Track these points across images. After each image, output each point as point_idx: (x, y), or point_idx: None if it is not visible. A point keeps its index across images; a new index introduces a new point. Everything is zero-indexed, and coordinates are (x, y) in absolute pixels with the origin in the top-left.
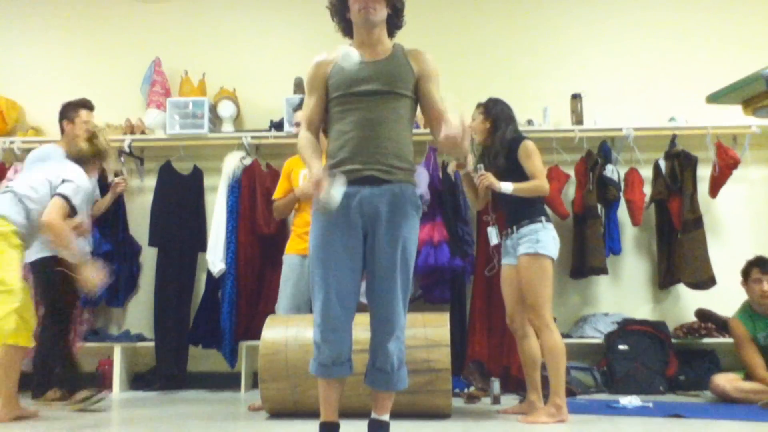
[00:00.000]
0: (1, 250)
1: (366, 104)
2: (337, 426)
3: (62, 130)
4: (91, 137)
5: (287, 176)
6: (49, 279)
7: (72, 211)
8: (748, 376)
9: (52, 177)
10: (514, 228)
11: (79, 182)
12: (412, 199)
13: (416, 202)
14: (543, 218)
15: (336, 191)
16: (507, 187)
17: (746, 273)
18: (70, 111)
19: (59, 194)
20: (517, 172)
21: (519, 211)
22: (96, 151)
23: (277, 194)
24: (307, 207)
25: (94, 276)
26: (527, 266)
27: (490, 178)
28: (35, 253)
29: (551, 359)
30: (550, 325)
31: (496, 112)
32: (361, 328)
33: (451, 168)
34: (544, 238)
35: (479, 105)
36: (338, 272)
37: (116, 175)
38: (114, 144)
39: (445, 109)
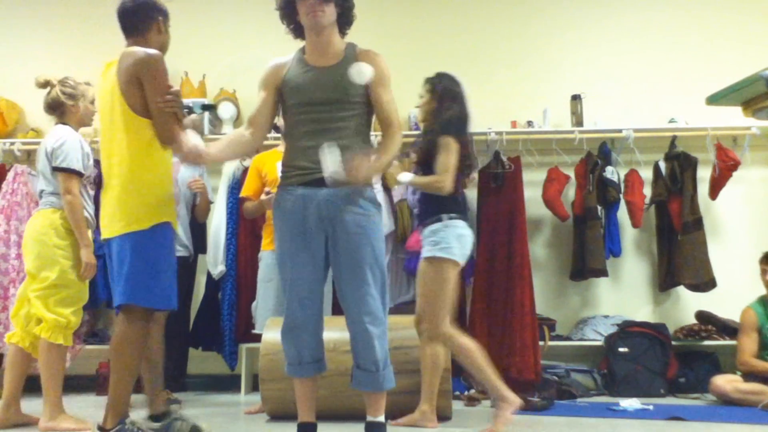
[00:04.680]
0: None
1: (317, 113)
2: (313, 426)
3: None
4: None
5: (257, 173)
6: None
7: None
8: (746, 375)
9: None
10: (421, 228)
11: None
12: (370, 197)
13: (374, 200)
14: (445, 216)
15: (333, 162)
16: (403, 177)
17: (762, 263)
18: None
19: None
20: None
21: (425, 209)
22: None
23: (246, 191)
24: None
25: None
26: (424, 271)
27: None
28: None
29: (431, 367)
30: (439, 336)
31: (442, 90)
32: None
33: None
34: (445, 238)
35: (427, 80)
36: (297, 273)
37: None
38: None
39: (393, 110)
